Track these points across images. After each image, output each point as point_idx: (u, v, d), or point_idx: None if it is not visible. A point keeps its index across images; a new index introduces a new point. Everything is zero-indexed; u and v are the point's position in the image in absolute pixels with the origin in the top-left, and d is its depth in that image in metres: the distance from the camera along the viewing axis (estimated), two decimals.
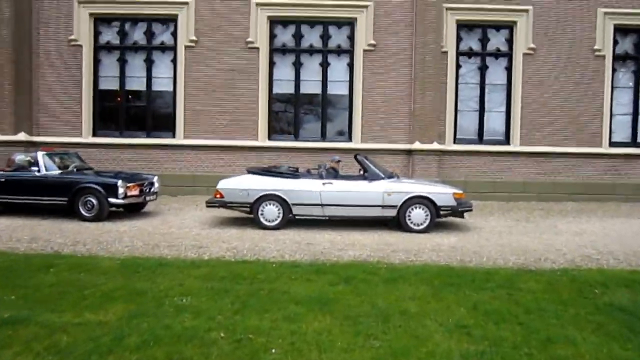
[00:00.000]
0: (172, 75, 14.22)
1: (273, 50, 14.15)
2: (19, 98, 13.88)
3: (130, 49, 14.33)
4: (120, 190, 9.46)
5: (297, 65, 14.14)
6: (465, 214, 9.25)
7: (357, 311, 4.68)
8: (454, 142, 14.02)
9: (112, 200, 9.44)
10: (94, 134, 14.37)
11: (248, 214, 9.19)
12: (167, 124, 14.31)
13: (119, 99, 14.36)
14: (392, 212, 8.86)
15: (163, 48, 14.29)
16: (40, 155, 9.92)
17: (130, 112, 14.60)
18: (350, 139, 14.16)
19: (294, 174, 9.23)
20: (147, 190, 10.23)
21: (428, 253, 7.22)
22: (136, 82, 14.46)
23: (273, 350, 3.81)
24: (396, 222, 8.98)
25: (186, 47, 13.98)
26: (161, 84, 14.40)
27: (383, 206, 8.83)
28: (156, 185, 10.65)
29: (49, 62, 14.12)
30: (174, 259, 6.68)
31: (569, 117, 13.83)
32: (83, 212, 9.52)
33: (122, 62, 14.30)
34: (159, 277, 5.76)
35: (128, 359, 3.68)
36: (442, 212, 8.88)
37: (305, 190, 8.90)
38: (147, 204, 10.90)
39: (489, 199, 13.50)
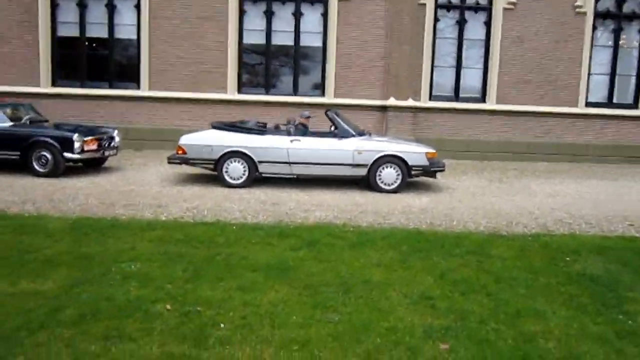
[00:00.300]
0: (135, 23, 13.39)
1: None
2: None
3: None
4: (77, 145, 8.91)
5: (269, 15, 13.43)
6: (437, 174, 8.99)
7: (317, 280, 4.39)
8: (430, 99, 13.66)
9: (68, 155, 8.90)
10: (54, 84, 13.58)
11: (212, 172, 8.77)
12: (131, 75, 13.60)
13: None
14: (363, 172, 8.54)
15: None
16: None
17: (92, 62, 13.78)
18: (323, 94, 13.67)
19: (260, 129, 8.79)
20: (107, 145, 9.67)
21: (398, 215, 6.95)
22: (97, 29, 13.60)
23: (222, 325, 3.50)
24: (367, 182, 8.68)
25: None
26: (124, 31, 13.59)
27: (353, 165, 8.49)
28: (117, 139, 10.09)
29: (3, 6, 13.11)
30: (129, 219, 6.28)
31: (546, 76, 13.53)
32: (37, 168, 8.97)
33: (82, 8, 13.38)
34: (110, 239, 5.37)
35: (60, 336, 3.33)
36: (413, 172, 8.60)
37: (272, 147, 8.49)
38: (108, 159, 10.36)
39: (464, 157, 13.28)
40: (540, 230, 6.34)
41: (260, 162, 8.51)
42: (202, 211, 6.84)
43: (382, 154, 8.47)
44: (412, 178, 8.85)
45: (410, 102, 13.20)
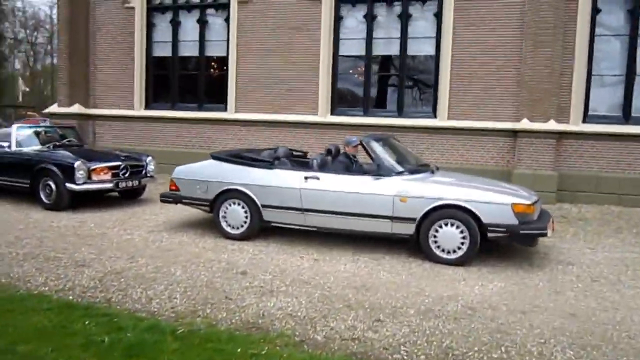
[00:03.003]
0: (225, 38, 12.03)
1: (339, 1, 11.12)
2: (74, 68, 12.94)
3: (182, 8, 12.47)
4: (78, 174, 7.48)
5: (369, 19, 10.94)
6: (537, 240, 5.51)
7: None
8: (584, 121, 9.70)
9: (70, 185, 7.51)
10: (147, 107, 12.89)
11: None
12: (219, 96, 12.24)
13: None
14: (408, 229, 5.52)
15: (217, 5, 12.16)
16: (13, 128, 8.40)
17: (184, 82, 12.81)
18: (434, 115, 10.64)
19: (268, 161, 6.30)
20: (126, 175, 8.09)
21: (404, 321, 3.89)
22: (189, 48, 12.59)
23: None
24: (415, 243, 5.65)
25: (239, 2, 11.65)
26: (214, 48, 12.37)
27: (393, 218, 5.53)
28: (150, 167, 8.53)
29: (104, 28, 12.92)
30: None
31: None
32: (43, 199, 7.78)
33: (175, 24, 12.53)
34: None
35: None
36: (490, 234, 5.31)
37: (280, 186, 5.98)
38: (147, 190, 8.92)
39: (632, 204, 9.08)
40: None
41: (265, 206, 6.05)
42: (110, 282, 4.64)
43: (437, 203, 5.37)
44: (490, 242, 5.53)
45: (552, 125, 9.49)
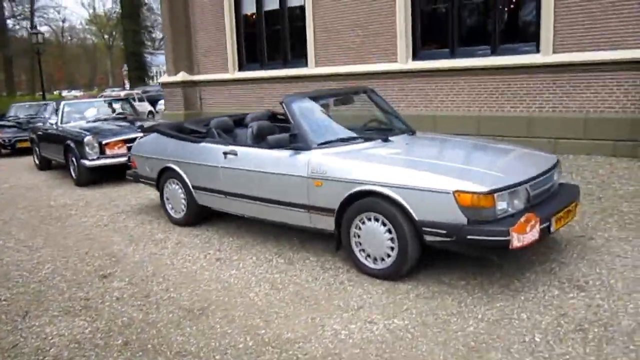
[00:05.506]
0: None
1: None
2: (176, 37, 13.17)
3: None
4: (88, 149, 7.32)
5: None
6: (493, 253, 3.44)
7: None
8: None
9: (83, 161, 7.41)
10: (240, 69, 12.51)
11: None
12: (301, 50, 11.21)
13: None
14: (328, 224, 3.95)
15: None
16: (61, 104, 8.64)
17: (270, 39, 12.04)
18: (537, 49, 8.08)
19: (198, 133, 5.16)
20: None
21: None
22: (272, 1, 11.72)
23: None
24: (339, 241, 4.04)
25: None
26: None
27: (309, 207, 4.02)
28: None
29: None
30: None
31: None
32: (72, 174, 7.87)
33: None
34: None
35: None
36: (427, 237, 3.46)
37: (202, 164, 4.85)
38: None
39: None
40: None
41: (195, 187, 5.01)
42: None
43: (356, 188, 3.70)
44: (432, 246, 3.63)
45: None
